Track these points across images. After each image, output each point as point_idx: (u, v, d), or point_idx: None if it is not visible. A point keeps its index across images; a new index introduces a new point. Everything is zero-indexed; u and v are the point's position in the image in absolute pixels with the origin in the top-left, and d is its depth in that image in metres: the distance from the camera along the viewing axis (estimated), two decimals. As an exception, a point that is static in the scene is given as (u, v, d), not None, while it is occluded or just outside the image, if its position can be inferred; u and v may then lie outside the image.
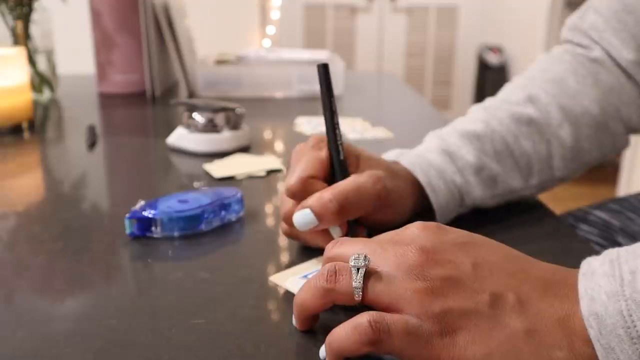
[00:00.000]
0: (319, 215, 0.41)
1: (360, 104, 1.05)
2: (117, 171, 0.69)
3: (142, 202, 0.49)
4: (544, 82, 0.56)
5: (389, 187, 0.45)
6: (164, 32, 1.01)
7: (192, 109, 0.71)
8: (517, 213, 0.53)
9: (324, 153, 0.44)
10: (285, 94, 1.06)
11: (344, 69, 1.08)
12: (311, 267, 0.42)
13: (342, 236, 0.42)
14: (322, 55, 1.12)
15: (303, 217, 0.41)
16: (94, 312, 0.37)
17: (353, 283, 0.31)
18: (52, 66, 1.03)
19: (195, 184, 0.61)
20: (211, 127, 0.70)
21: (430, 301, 0.30)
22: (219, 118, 0.70)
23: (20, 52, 0.82)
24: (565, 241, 0.48)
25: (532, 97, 0.54)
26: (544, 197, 0.58)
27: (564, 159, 0.54)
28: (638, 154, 2.20)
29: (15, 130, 0.80)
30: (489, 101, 0.57)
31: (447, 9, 3.26)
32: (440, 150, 0.50)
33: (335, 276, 0.32)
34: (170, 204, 0.48)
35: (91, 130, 0.78)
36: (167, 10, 1.01)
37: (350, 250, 0.34)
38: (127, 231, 0.47)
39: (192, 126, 0.71)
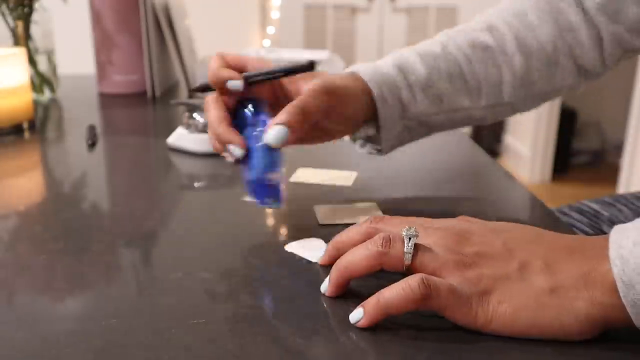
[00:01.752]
0: (290, 125, 0.45)
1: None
2: (117, 171, 0.69)
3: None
4: (508, 13, 0.59)
5: (338, 83, 0.50)
6: (164, 32, 1.01)
7: (192, 109, 0.71)
8: (508, 202, 0.53)
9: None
10: (285, 94, 1.06)
11: (343, 69, 1.08)
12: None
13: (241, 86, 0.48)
14: (322, 55, 1.12)
15: (278, 132, 0.45)
16: (94, 312, 0.37)
17: (405, 249, 0.36)
18: (52, 66, 1.03)
19: (196, 184, 0.62)
20: (211, 127, 0.70)
21: (466, 270, 0.35)
22: (219, 118, 0.70)
23: (20, 52, 0.82)
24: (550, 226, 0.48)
25: (492, 26, 0.58)
26: (544, 197, 0.59)
27: (513, 86, 0.57)
28: (638, 154, 2.20)
29: (15, 130, 0.80)
30: (455, 28, 0.60)
31: (447, 9, 3.26)
32: (395, 65, 0.55)
33: (390, 243, 0.36)
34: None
35: (91, 130, 0.78)
36: (167, 10, 1.02)
37: (396, 228, 0.39)
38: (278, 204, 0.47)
39: (192, 126, 0.71)
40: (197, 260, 0.44)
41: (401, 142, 0.57)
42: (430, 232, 0.38)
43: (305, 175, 0.63)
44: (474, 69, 0.56)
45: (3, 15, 0.96)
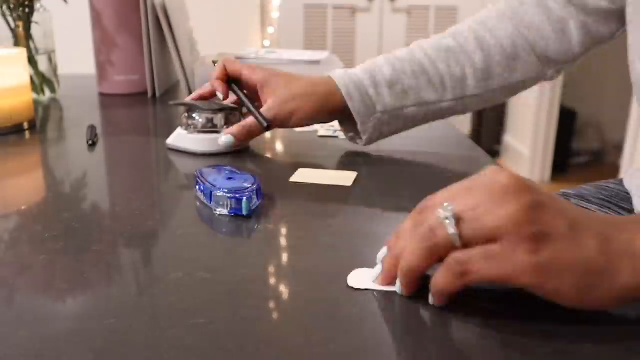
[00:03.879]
0: (237, 138, 0.68)
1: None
2: (117, 171, 0.69)
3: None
4: (474, 21, 0.70)
5: (296, 92, 0.66)
6: (164, 32, 1.01)
7: (191, 109, 0.72)
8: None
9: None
10: (285, 94, 1.06)
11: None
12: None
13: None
14: (322, 56, 1.12)
15: (226, 139, 0.68)
16: (94, 312, 0.37)
17: (448, 233, 0.34)
18: (53, 66, 1.03)
19: None
20: (210, 127, 0.70)
21: (519, 222, 0.33)
22: (218, 118, 0.70)
23: (21, 52, 0.82)
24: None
25: (456, 31, 0.69)
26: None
27: (476, 79, 0.67)
28: (638, 154, 2.20)
29: (16, 130, 0.80)
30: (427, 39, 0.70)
31: (447, 9, 3.26)
32: (364, 69, 0.67)
33: (432, 233, 0.35)
34: (235, 184, 0.53)
35: (92, 130, 0.78)
36: (165, 11, 1.02)
37: (437, 202, 0.37)
38: (245, 212, 0.51)
39: (191, 126, 0.71)
40: (197, 260, 0.44)
41: (381, 134, 0.68)
42: (468, 190, 0.36)
43: (305, 175, 0.63)
44: (437, 67, 0.66)
45: (4, 15, 0.96)
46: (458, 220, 0.34)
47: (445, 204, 0.35)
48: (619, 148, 2.66)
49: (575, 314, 0.35)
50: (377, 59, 0.68)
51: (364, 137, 0.67)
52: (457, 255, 0.34)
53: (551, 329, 0.35)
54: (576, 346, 0.33)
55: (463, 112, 0.69)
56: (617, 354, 0.33)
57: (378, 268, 0.41)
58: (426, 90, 0.66)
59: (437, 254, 0.35)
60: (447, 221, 0.34)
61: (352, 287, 0.39)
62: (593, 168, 3.14)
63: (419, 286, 0.37)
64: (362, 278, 0.40)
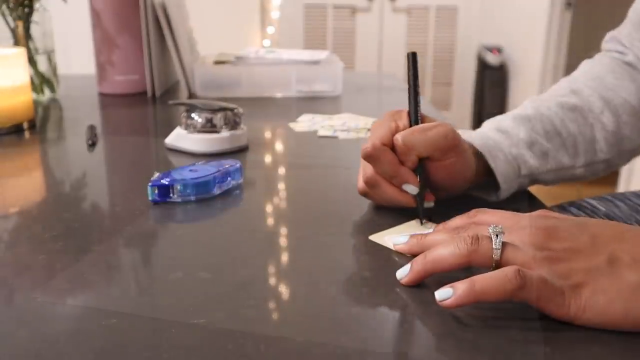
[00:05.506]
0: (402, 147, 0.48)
1: (360, 103, 1.05)
2: (117, 171, 0.69)
3: (157, 174, 0.56)
4: (586, 79, 0.63)
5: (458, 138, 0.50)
6: (164, 32, 1.01)
7: (190, 109, 0.71)
8: (508, 202, 0.53)
9: (396, 124, 0.50)
10: (284, 94, 1.06)
11: (343, 69, 1.08)
12: (407, 230, 0.48)
13: (417, 192, 0.49)
14: (322, 55, 1.12)
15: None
16: (94, 312, 0.37)
17: (493, 245, 0.37)
18: (52, 66, 1.03)
19: None
20: (210, 127, 0.70)
21: (556, 265, 0.36)
22: (218, 118, 0.70)
23: (21, 52, 0.82)
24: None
25: (575, 90, 0.61)
26: (545, 197, 0.59)
27: (607, 142, 0.59)
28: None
29: (16, 130, 0.80)
30: (538, 95, 0.63)
31: (447, 9, 3.26)
32: (495, 129, 0.57)
33: (478, 240, 0.37)
34: (184, 174, 0.56)
35: (91, 130, 0.78)
36: (165, 10, 1.02)
37: (487, 221, 0.41)
38: (150, 198, 0.54)
39: (190, 126, 0.71)
40: (197, 260, 0.44)
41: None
42: (516, 230, 0.38)
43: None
44: (567, 128, 0.58)
45: (3, 15, 0.96)
46: (504, 242, 0.37)
47: (499, 226, 0.38)
48: (618, 148, 2.65)
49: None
50: (497, 119, 0.59)
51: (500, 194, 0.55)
52: (521, 269, 0.35)
53: (551, 330, 0.35)
54: (578, 347, 0.33)
55: (589, 179, 0.61)
56: (618, 354, 0.33)
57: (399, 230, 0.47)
58: (561, 153, 0.57)
59: (470, 260, 0.37)
60: (497, 237, 0.37)
61: (372, 241, 0.46)
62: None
63: (421, 280, 0.39)
64: (384, 238, 0.46)
